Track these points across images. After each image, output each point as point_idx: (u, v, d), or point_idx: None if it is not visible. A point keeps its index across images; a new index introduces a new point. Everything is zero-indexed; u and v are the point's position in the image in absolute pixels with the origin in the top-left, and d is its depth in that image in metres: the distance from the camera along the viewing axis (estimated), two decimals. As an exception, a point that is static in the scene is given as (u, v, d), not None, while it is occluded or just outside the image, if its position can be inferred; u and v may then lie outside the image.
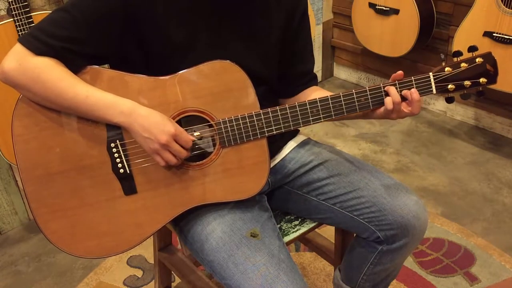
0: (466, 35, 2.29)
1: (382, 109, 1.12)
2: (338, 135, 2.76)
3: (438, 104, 2.90)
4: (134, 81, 1.08)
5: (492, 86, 2.23)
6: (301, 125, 1.13)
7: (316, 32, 3.12)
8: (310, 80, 1.32)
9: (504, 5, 2.14)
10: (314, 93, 1.28)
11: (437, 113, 2.91)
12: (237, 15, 1.15)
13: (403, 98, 1.10)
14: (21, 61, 1.03)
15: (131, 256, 1.98)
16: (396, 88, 1.10)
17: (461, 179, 2.36)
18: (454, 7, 2.58)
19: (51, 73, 1.03)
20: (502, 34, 2.18)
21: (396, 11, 2.59)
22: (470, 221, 2.10)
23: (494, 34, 2.20)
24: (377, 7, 2.66)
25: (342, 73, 3.34)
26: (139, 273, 1.91)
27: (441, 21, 2.65)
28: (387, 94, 1.10)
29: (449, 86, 1.10)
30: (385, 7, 2.62)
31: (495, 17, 2.18)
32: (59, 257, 2.00)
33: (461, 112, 2.80)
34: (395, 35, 2.65)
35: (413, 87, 1.10)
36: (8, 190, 2.09)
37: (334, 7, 3.14)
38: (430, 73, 1.10)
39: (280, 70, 1.27)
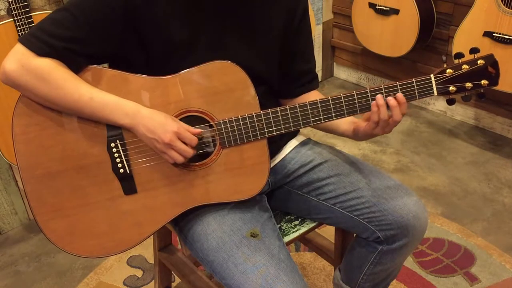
0: (466, 35, 2.29)
1: (367, 124, 1.13)
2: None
3: (438, 104, 2.90)
4: (135, 81, 1.08)
5: (492, 86, 2.24)
6: (301, 126, 1.13)
7: (316, 32, 3.12)
8: (312, 80, 1.32)
9: (504, 5, 2.14)
10: (316, 97, 1.28)
11: (437, 113, 2.91)
12: (238, 15, 1.15)
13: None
14: (23, 62, 1.03)
15: (131, 256, 1.98)
16: (382, 93, 1.10)
17: (461, 179, 2.36)
18: (454, 7, 2.57)
19: (54, 75, 1.03)
20: (502, 34, 2.18)
21: (396, 11, 2.59)
22: (470, 221, 2.10)
23: (494, 34, 2.20)
24: (377, 7, 2.66)
25: (342, 73, 3.34)
26: (139, 273, 1.91)
27: (441, 21, 2.65)
28: (388, 95, 1.10)
29: (450, 88, 1.10)
30: (385, 7, 2.62)
31: (495, 17, 2.18)
32: (59, 257, 2.00)
33: (461, 112, 2.80)
34: (395, 35, 2.65)
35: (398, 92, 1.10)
36: (8, 190, 2.09)
37: (334, 7, 3.14)
38: (431, 75, 1.10)
39: (281, 69, 1.27)
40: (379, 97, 1.09)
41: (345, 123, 1.22)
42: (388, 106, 1.09)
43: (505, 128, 2.64)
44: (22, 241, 2.10)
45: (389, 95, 1.09)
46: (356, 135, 1.20)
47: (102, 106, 1.04)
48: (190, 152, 1.06)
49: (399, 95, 1.09)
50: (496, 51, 2.19)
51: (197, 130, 1.08)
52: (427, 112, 2.93)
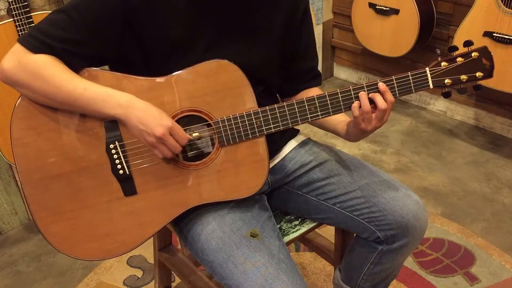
0: (466, 35, 2.29)
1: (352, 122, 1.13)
2: (338, 135, 2.76)
3: (438, 104, 2.90)
4: (132, 83, 1.08)
5: (493, 86, 2.24)
6: (299, 123, 1.13)
7: (316, 32, 3.12)
8: (314, 78, 1.32)
9: (504, 5, 2.13)
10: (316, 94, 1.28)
11: (437, 113, 2.91)
12: (238, 14, 1.15)
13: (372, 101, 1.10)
14: (20, 58, 1.03)
15: (131, 256, 1.98)
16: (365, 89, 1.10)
17: (461, 179, 2.36)
18: (454, 7, 2.57)
19: (49, 68, 1.03)
20: (502, 34, 2.17)
21: (396, 11, 2.59)
22: (470, 221, 2.10)
23: (494, 34, 2.20)
24: (377, 7, 2.66)
25: (342, 73, 3.34)
26: (139, 273, 1.91)
27: (441, 21, 2.65)
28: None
29: (446, 81, 1.11)
30: (385, 7, 2.62)
31: (495, 17, 2.17)
32: (59, 257, 2.00)
33: (461, 112, 2.80)
34: (395, 35, 2.65)
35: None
36: (8, 190, 2.09)
37: (334, 7, 3.14)
38: (427, 68, 1.11)
39: (284, 68, 1.27)
40: (361, 93, 1.09)
41: (342, 124, 1.23)
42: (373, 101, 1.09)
43: (505, 128, 2.64)
44: (22, 241, 2.10)
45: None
46: (348, 134, 1.20)
47: (95, 97, 1.03)
48: (179, 148, 1.06)
49: (380, 84, 1.09)
50: (496, 51, 2.19)
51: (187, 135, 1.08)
52: (427, 112, 2.93)
